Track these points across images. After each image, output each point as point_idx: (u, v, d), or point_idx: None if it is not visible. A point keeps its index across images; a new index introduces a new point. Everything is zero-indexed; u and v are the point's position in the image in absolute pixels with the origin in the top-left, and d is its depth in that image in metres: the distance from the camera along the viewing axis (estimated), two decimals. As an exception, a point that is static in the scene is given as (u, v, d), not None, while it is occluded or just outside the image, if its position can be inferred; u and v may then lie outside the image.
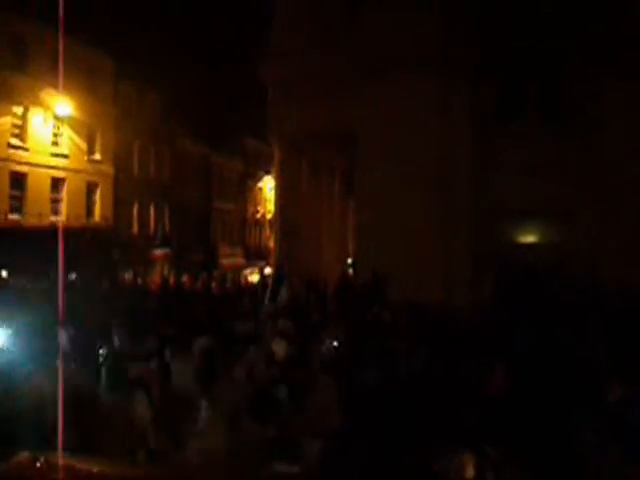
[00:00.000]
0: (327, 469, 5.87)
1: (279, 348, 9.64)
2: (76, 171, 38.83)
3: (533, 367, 8.31)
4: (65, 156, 38.05)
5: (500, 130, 21.47)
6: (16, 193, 34.93)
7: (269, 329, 11.78)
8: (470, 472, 5.29)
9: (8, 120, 34.39)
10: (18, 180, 34.99)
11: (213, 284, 30.25)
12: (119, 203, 42.79)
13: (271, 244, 41.75)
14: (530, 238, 22.31)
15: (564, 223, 20.98)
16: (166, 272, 44.97)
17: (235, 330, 12.07)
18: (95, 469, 2.23)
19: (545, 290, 17.14)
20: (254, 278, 51.19)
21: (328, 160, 28.85)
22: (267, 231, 61.12)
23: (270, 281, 22.54)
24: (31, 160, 35.62)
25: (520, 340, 10.24)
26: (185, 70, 45.81)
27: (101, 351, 9.29)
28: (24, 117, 35.45)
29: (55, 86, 34.64)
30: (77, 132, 38.76)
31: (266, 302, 17.99)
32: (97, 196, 41.12)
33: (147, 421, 7.17)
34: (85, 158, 39.91)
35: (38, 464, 2.25)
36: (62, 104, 35.73)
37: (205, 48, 48.55)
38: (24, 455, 2.34)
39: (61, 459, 2.25)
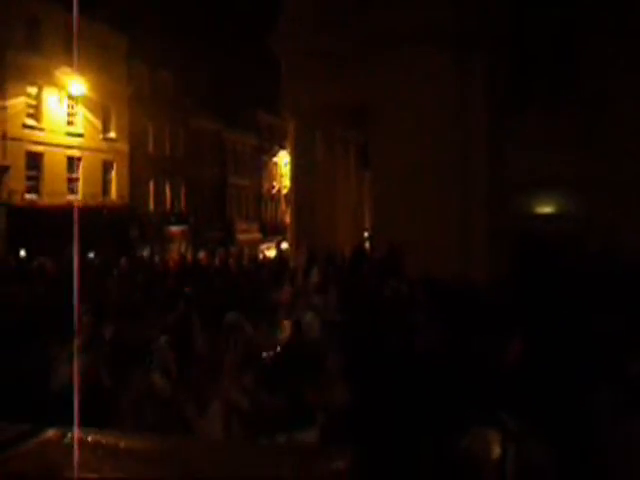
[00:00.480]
0: (341, 441, 5.88)
1: (313, 322, 9.74)
2: (91, 150, 38.93)
3: (551, 339, 8.29)
4: (80, 135, 38.14)
5: (516, 102, 21.32)
6: (32, 173, 35.07)
7: (300, 304, 11.88)
8: (497, 450, 5.25)
9: (23, 100, 34.44)
10: (34, 160, 35.11)
11: (230, 260, 30.30)
12: (135, 181, 42.89)
13: (287, 219, 41.79)
14: (547, 210, 22.23)
15: (581, 195, 20.89)
16: (183, 249, 45.11)
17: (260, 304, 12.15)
18: (122, 444, 2.26)
19: (562, 261, 17.08)
20: (271, 253, 51.27)
21: (343, 134, 28.76)
22: (283, 206, 61.14)
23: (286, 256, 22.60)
24: (46, 140, 35.72)
25: (538, 312, 10.22)
26: (197, 47, 45.68)
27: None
28: (38, 97, 35.51)
29: (69, 65, 34.68)
30: (92, 111, 38.81)
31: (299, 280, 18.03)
32: (113, 174, 41.24)
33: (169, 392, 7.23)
34: (100, 137, 40.00)
35: (66, 441, 2.28)
36: (76, 83, 35.76)
37: (217, 23, 48.30)
38: (52, 432, 2.37)
39: (89, 435, 2.29)
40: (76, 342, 8.04)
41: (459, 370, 7.41)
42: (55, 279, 17.30)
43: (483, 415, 5.55)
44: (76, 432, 2.24)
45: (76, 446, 2.09)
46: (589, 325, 8.99)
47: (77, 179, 37.75)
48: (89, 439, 2.31)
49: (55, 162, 36.26)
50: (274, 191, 63.45)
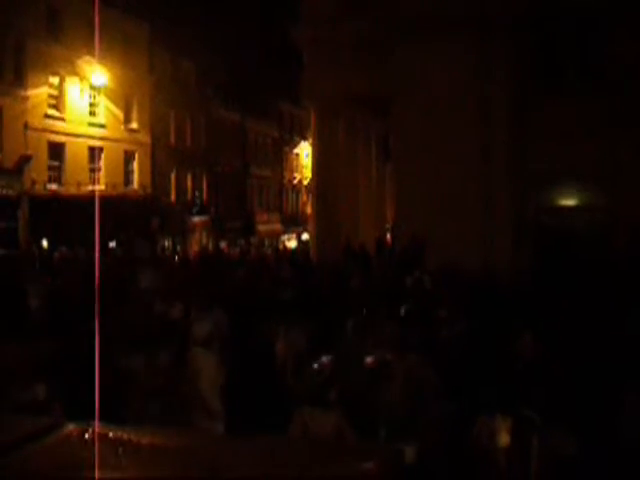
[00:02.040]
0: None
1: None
2: (113, 140, 39.01)
3: (576, 332, 8.22)
4: (102, 125, 38.22)
5: (540, 91, 21.09)
6: (54, 163, 35.20)
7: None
8: (504, 438, 5.23)
9: (45, 91, 34.53)
10: (56, 150, 35.24)
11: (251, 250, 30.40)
12: (157, 171, 42.98)
13: (308, 210, 41.77)
14: (571, 202, 22.00)
15: (606, 187, 20.62)
16: (204, 240, 45.26)
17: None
18: (144, 440, 2.20)
19: (586, 254, 16.93)
20: (292, 244, 51.36)
21: (365, 124, 28.67)
22: (304, 197, 61.12)
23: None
24: (68, 130, 35.81)
25: (561, 305, 10.14)
26: (219, 36, 45.62)
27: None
28: (60, 87, 35.59)
29: (91, 55, 34.74)
30: (113, 101, 38.88)
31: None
32: (135, 165, 41.33)
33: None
34: (122, 127, 40.07)
35: (87, 436, 2.22)
36: (98, 73, 35.83)
37: (239, 12, 48.19)
38: (71, 427, 2.31)
39: (110, 430, 2.23)
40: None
41: (481, 362, 7.36)
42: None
43: (503, 406, 5.53)
44: (97, 427, 2.18)
45: (97, 442, 2.03)
46: (613, 316, 8.90)
47: (99, 169, 37.86)
48: (110, 435, 2.25)
49: (77, 152, 36.37)
50: (295, 182, 63.45)
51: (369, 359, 6.82)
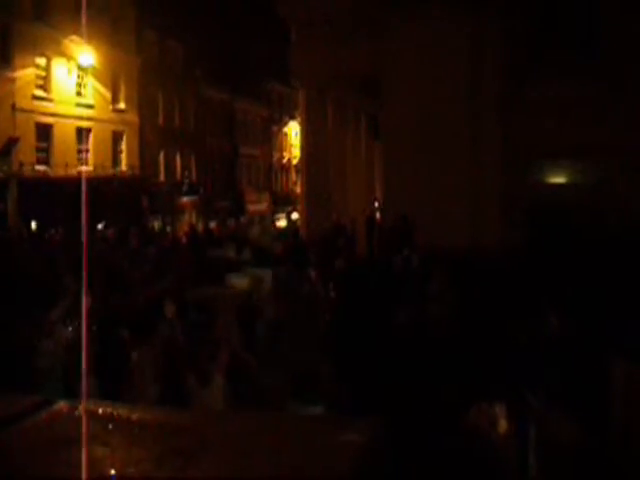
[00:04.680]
0: (350, 411, 5.83)
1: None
2: (101, 121, 38.83)
3: (570, 310, 8.17)
4: (90, 106, 38.02)
5: (531, 69, 21.02)
6: (42, 145, 35.03)
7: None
8: (503, 425, 5.20)
9: (32, 71, 34.31)
10: (44, 131, 35.06)
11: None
12: (145, 152, 42.83)
13: (298, 189, 41.72)
14: (561, 179, 22.02)
15: (596, 163, 20.61)
16: (194, 219, 45.19)
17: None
18: (133, 416, 2.22)
19: (577, 231, 16.94)
20: (281, 224, 51.30)
21: (354, 103, 28.59)
22: (293, 176, 61.05)
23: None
24: (56, 111, 35.61)
25: (554, 282, 10.11)
26: (207, 16, 45.37)
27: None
28: (47, 68, 35.37)
29: (78, 36, 34.50)
30: (101, 82, 38.68)
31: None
32: (123, 145, 41.17)
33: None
34: (110, 107, 39.88)
35: (76, 413, 2.23)
36: (85, 54, 35.61)
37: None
38: (61, 404, 2.33)
39: (99, 407, 2.24)
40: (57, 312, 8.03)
41: (472, 343, 7.33)
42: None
43: (500, 389, 5.48)
44: (86, 404, 2.19)
45: (86, 418, 2.04)
46: (609, 296, 8.84)
47: (87, 150, 37.69)
48: (100, 411, 2.27)
49: (65, 133, 36.19)
50: (284, 161, 63.35)
51: None
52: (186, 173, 48.05)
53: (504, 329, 7.62)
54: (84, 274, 2.42)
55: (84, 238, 4.29)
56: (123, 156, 41.14)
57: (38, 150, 34.73)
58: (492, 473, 5.17)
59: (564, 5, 20.89)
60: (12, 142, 32.52)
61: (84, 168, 35.00)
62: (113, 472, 1.89)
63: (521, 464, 5.29)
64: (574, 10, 20.76)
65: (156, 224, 40.09)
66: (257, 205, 55.94)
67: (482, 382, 5.86)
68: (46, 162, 35.01)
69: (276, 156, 62.20)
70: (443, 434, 5.48)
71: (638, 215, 17.76)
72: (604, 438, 5.55)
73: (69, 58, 36.02)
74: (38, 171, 33.98)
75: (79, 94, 37.49)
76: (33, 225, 31.09)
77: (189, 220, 44.33)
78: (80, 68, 36.83)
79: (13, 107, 32.95)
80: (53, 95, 35.62)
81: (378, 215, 28.37)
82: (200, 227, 35.45)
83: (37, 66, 34.72)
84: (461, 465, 5.21)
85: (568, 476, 5.19)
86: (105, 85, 39.12)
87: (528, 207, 20.86)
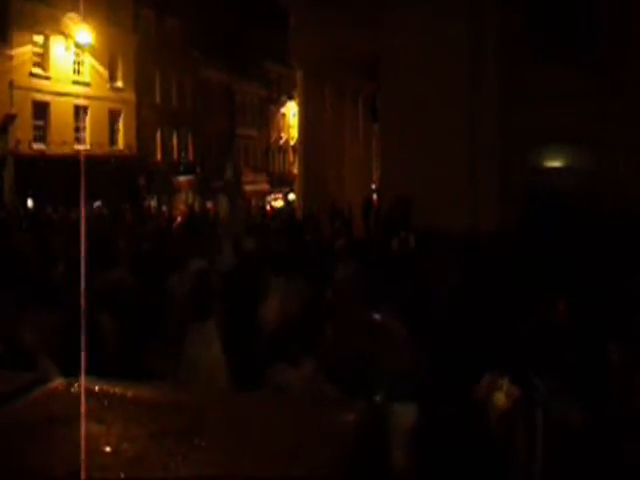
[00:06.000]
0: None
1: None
2: (98, 99, 38.73)
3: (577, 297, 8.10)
4: (87, 84, 37.92)
5: (529, 53, 20.95)
6: (39, 122, 34.96)
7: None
8: (502, 399, 5.17)
9: (29, 49, 34.20)
10: (41, 109, 34.98)
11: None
12: (142, 130, 42.72)
13: (295, 170, 41.67)
14: (558, 163, 22.00)
15: (593, 148, 20.60)
16: (190, 199, 45.17)
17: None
18: (130, 393, 2.20)
19: (573, 215, 16.94)
20: (278, 204, 51.30)
21: (352, 84, 28.50)
22: (291, 157, 60.93)
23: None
24: (53, 89, 35.53)
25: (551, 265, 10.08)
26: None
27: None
28: (45, 46, 35.25)
29: (75, 13, 34.33)
30: (98, 60, 38.54)
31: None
32: (120, 124, 41.07)
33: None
34: (107, 86, 39.76)
35: (73, 390, 2.22)
36: (83, 31, 35.47)
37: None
38: (58, 381, 2.32)
39: (96, 385, 2.23)
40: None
41: (476, 326, 7.30)
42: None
43: (503, 371, 5.45)
44: (83, 381, 2.18)
45: (83, 396, 2.03)
46: (608, 281, 8.80)
47: (84, 128, 37.60)
48: (96, 389, 2.26)
49: (62, 111, 36.12)
50: (282, 142, 63.21)
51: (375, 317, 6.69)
52: (183, 153, 47.99)
53: (508, 313, 7.59)
54: (82, 253, 2.40)
55: (82, 216, 4.28)
56: (120, 135, 41.05)
57: (35, 128, 34.69)
58: (500, 444, 5.16)
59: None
60: (9, 119, 32.45)
61: (81, 146, 34.95)
62: (108, 449, 1.88)
63: (528, 447, 5.27)
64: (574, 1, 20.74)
65: (152, 203, 40.08)
66: (254, 185, 55.90)
67: (487, 365, 5.83)
68: (43, 140, 34.95)
69: (274, 136, 62.06)
70: (453, 404, 5.46)
71: (636, 200, 17.77)
72: (608, 423, 5.54)
73: (67, 36, 35.90)
74: (35, 149, 33.91)
75: (76, 72, 37.40)
76: (29, 203, 31.06)
77: (185, 199, 44.31)
78: (78, 46, 36.69)
79: (10, 84, 32.86)
80: (50, 73, 35.51)
81: (375, 197, 28.38)
82: (196, 207, 35.47)
83: (35, 44, 34.62)
84: (471, 434, 5.19)
85: (574, 461, 5.19)
86: (102, 63, 38.98)
87: (524, 190, 20.85)
